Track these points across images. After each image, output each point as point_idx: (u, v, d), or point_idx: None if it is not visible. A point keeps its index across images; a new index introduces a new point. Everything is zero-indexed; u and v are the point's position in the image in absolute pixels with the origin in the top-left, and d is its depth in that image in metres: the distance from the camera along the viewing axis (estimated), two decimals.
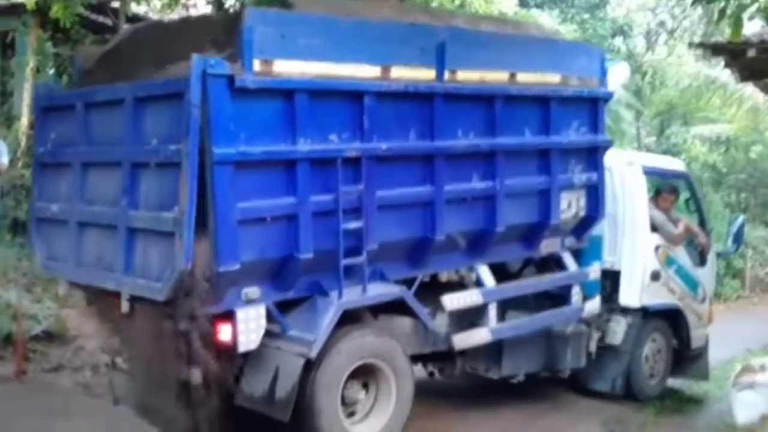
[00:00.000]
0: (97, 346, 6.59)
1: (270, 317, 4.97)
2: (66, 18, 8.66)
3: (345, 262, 5.09)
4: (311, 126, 4.91)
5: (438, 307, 5.91)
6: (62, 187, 5.52)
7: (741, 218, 8.98)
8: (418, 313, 5.61)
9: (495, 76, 5.99)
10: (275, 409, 4.93)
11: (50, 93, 6.05)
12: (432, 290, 5.99)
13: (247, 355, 5.02)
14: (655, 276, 7.29)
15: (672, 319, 7.64)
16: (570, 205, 6.58)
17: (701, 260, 7.86)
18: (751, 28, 7.25)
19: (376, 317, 5.58)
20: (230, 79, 4.55)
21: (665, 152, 19.19)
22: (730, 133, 18.97)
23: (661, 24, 23.57)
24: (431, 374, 6.66)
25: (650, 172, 7.51)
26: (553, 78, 6.41)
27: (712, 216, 9.76)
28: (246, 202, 4.68)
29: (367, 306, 5.42)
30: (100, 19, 11.07)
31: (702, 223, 7.98)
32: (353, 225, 5.11)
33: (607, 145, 6.96)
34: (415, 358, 5.99)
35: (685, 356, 7.85)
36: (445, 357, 6.34)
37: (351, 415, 5.30)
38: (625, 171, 7.30)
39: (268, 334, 4.95)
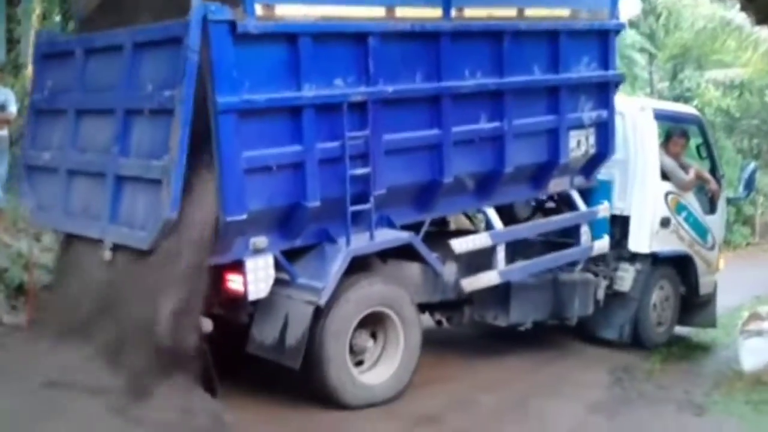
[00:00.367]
0: None
1: (278, 266, 4.96)
2: None
3: (352, 208, 5.06)
4: (316, 71, 4.83)
5: (447, 254, 5.91)
6: (55, 135, 5.47)
7: (753, 164, 8.93)
8: (427, 257, 5.60)
9: (503, 12, 5.89)
10: (286, 356, 4.96)
11: (51, 40, 5.96)
12: (441, 238, 5.98)
13: (256, 304, 5.03)
14: (665, 222, 7.24)
15: (680, 266, 7.61)
16: (579, 144, 6.52)
17: (711, 207, 7.79)
18: None
19: (385, 262, 5.58)
20: (232, 24, 4.45)
21: (678, 97, 18.94)
22: (744, 77, 18.60)
23: None
24: (439, 323, 6.67)
25: (662, 117, 7.40)
26: (562, 12, 6.30)
27: (723, 162, 9.65)
28: (252, 150, 4.64)
29: (375, 252, 5.40)
30: None
31: (713, 170, 7.88)
32: (360, 171, 5.09)
33: (618, 80, 6.87)
34: (422, 308, 6.02)
35: (693, 303, 7.83)
36: (453, 306, 6.36)
37: (359, 363, 5.33)
38: (637, 116, 7.18)
39: (277, 282, 4.96)
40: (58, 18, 10.42)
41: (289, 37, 4.73)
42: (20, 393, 4.48)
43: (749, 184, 8.22)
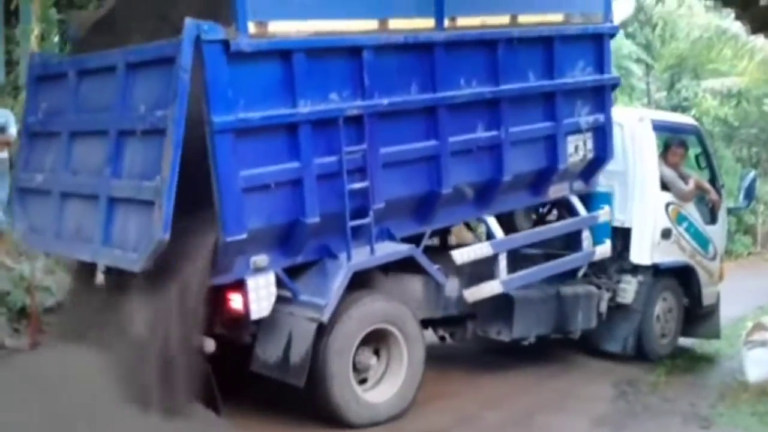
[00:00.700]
0: None
1: (280, 284, 4.93)
2: None
3: (352, 223, 5.04)
4: (310, 86, 4.82)
5: (448, 268, 5.88)
6: (48, 158, 5.41)
7: (752, 173, 8.89)
8: (428, 269, 5.58)
9: (496, 20, 5.88)
10: (290, 374, 4.92)
11: (44, 62, 5.92)
12: (442, 252, 5.97)
13: (259, 322, 4.99)
14: (666, 234, 7.21)
15: (683, 278, 7.56)
16: (577, 149, 6.50)
17: (712, 217, 7.76)
18: None
19: (387, 275, 5.55)
20: (225, 43, 4.43)
21: (675, 107, 18.96)
22: (741, 86, 18.66)
23: None
24: (442, 339, 6.62)
25: (660, 127, 7.38)
26: (555, 17, 6.29)
27: (723, 171, 9.61)
28: (249, 169, 4.61)
29: (376, 266, 5.37)
30: None
31: (713, 179, 7.86)
32: (358, 185, 5.07)
33: (614, 83, 6.86)
34: (426, 323, 5.97)
35: (697, 315, 7.77)
36: (456, 321, 6.31)
37: (363, 381, 5.28)
38: (635, 127, 7.16)
39: (279, 299, 4.93)
40: (56, 38, 10.41)
41: (282, 53, 4.72)
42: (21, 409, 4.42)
43: (749, 194, 8.19)
